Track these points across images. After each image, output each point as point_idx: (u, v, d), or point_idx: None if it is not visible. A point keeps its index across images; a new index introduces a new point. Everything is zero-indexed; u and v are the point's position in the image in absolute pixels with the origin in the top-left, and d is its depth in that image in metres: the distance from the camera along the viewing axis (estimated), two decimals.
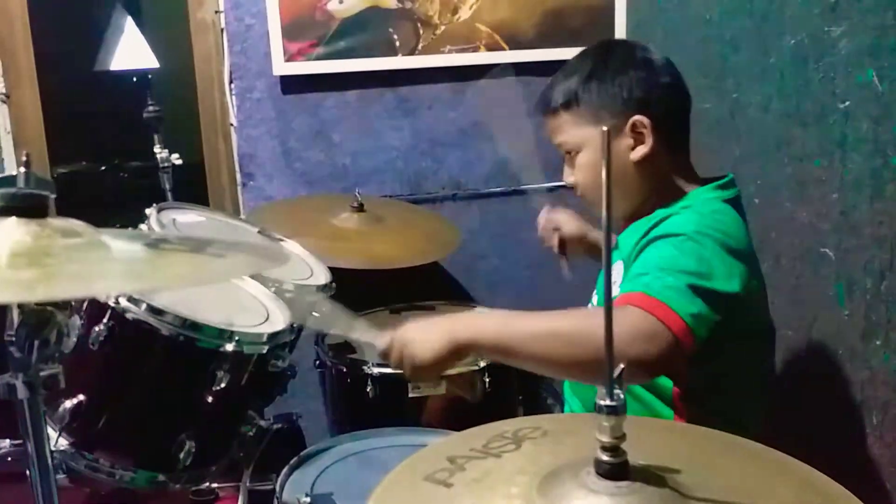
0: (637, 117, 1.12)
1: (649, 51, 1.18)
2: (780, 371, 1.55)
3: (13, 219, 0.68)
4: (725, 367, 1.08)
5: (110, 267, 0.68)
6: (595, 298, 1.32)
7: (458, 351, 1.01)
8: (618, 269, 1.12)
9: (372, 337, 1.12)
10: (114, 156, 2.61)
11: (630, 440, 0.63)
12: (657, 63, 1.16)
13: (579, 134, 1.16)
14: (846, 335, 1.37)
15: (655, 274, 0.99)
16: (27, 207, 0.69)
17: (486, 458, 0.72)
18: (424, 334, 1.03)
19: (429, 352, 1.01)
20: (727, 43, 1.67)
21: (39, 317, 0.68)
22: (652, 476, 0.64)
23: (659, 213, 1.13)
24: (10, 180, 0.69)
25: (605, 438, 0.63)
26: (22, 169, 0.69)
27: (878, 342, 1.30)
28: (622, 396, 0.64)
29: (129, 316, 1.05)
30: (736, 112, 1.66)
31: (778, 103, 1.52)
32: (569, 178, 1.21)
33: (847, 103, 1.33)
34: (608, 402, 0.63)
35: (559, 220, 1.52)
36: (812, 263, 1.45)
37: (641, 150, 1.13)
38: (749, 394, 1.15)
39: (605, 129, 0.61)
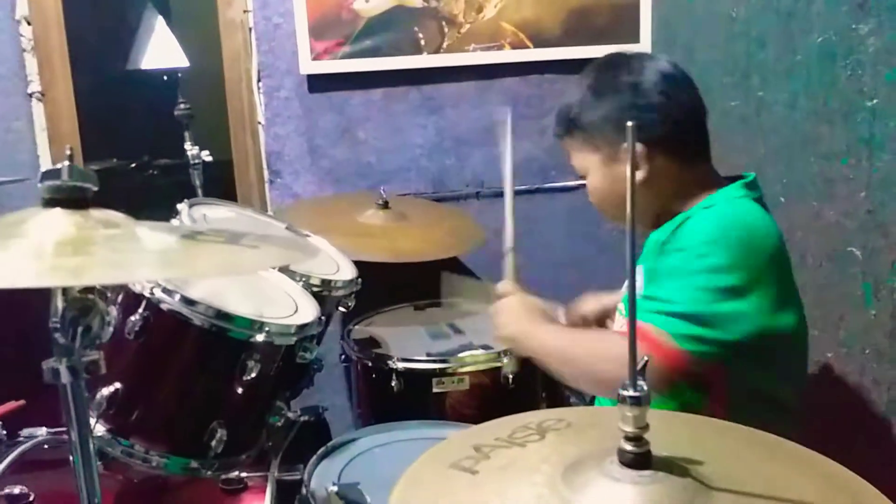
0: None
1: (640, 70, 1.15)
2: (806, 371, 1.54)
3: (58, 209, 0.72)
4: (761, 372, 1.09)
5: (149, 256, 0.71)
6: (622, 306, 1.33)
7: (517, 350, 1.29)
8: (639, 271, 1.13)
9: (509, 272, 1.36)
10: (144, 153, 2.66)
11: (653, 432, 0.64)
12: (647, 83, 1.13)
13: (581, 158, 1.19)
14: (873, 335, 1.37)
15: (663, 301, 1.04)
16: (71, 199, 0.72)
17: (510, 447, 0.73)
18: (508, 318, 1.26)
19: (503, 335, 1.27)
20: (753, 40, 1.67)
21: (82, 304, 0.71)
22: (674, 466, 0.65)
23: (679, 217, 1.13)
24: (55, 173, 0.72)
25: (629, 428, 0.65)
26: (66, 162, 0.72)
27: None
28: (645, 387, 0.65)
29: (163, 306, 1.08)
30: (762, 110, 1.65)
31: (805, 101, 1.51)
32: (589, 196, 1.24)
33: (875, 101, 1.32)
34: (631, 393, 0.64)
35: (581, 311, 1.51)
36: (839, 262, 1.44)
37: (639, 175, 1.12)
38: (787, 368, 1.16)
39: (630, 124, 0.62)
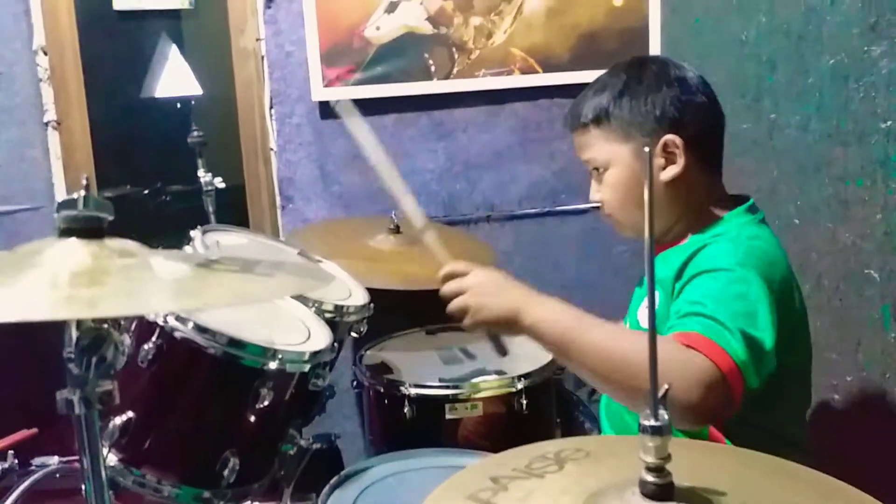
0: (669, 137, 1.10)
1: (683, 68, 1.17)
2: (825, 396, 1.52)
3: (73, 239, 0.72)
4: (762, 407, 1.06)
5: (164, 286, 0.71)
6: (629, 322, 1.31)
7: (518, 327, 1.04)
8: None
9: (440, 252, 1.15)
10: (157, 179, 2.68)
11: (674, 462, 0.63)
12: (691, 82, 1.14)
13: (609, 150, 1.14)
14: (892, 358, 1.35)
15: (709, 314, 0.97)
16: (87, 229, 0.72)
17: (529, 478, 0.72)
18: (499, 291, 1.05)
19: (493, 311, 1.04)
20: (764, 63, 1.67)
21: (97, 334, 0.71)
22: (697, 497, 0.63)
23: (694, 241, 1.12)
24: (72, 203, 0.72)
25: (650, 459, 0.63)
26: (82, 192, 0.72)
27: None
28: (666, 417, 0.64)
29: (177, 334, 1.07)
30: (774, 132, 1.65)
31: (817, 123, 1.50)
32: (595, 195, 1.19)
33: (889, 123, 1.31)
34: (653, 423, 0.63)
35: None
36: (856, 285, 1.43)
37: (672, 171, 1.11)
38: (790, 403, 1.13)
39: (647, 149, 0.62)
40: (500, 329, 1.10)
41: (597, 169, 1.17)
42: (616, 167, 1.14)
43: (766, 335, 0.98)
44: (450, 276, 1.11)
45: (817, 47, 1.49)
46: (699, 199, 1.15)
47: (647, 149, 0.61)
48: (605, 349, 0.98)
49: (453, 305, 1.09)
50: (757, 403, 1.04)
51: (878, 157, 1.34)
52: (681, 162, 1.11)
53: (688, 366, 0.91)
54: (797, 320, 1.11)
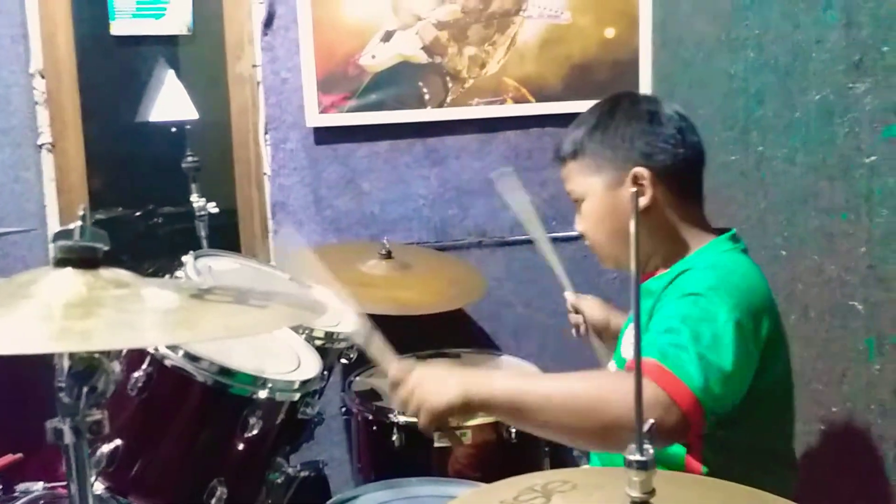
0: (637, 169, 1.12)
1: (658, 103, 1.20)
2: (810, 426, 1.53)
3: (69, 269, 0.72)
4: (748, 408, 1.07)
5: (158, 318, 0.71)
6: (615, 357, 1.31)
7: (469, 407, 1.03)
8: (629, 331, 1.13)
9: (386, 360, 1.14)
10: (149, 202, 2.69)
11: (659, 496, 0.64)
12: (663, 116, 1.17)
13: (584, 182, 1.18)
14: (877, 390, 1.36)
15: (670, 339, 0.99)
16: (82, 259, 0.72)
17: None
18: (439, 383, 1.04)
19: (441, 402, 1.02)
20: (752, 97, 1.70)
21: (89, 363, 0.71)
22: None
23: (675, 269, 1.13)
24: (68, 233, 0.73)
25: (635, 493, 0.64)
26: (79, 222, 0.73)
27: None
28: (651, 452, 0.65)
29: (167, 362, 1.08)
30: (762, 164, 1.67)
31: (804, 157, 1.53)
32: (578, 226, 1.23)
33: (873, 158, 1.34)
34: (638, 457, 0.64)
35: (583, 307, 1.50)
36: (841, 317, 1.44)
37: (641, 202, 1.12)
38: (774, 419, 1.14)
39: (633, 190, 0.63)
40: (456, 416, 1.10)
41: (577, 201, 1.21)
42: (590, 199, 1.18)
43: (728, 360, 0.98)
44: (395, 384, 1.09)
45: (804, 83, 1.52)
46: (675, 229, 1.16)
47: (633, 189, 0.63)
48: (558, 398, 0.98)
49: (406, 409, 1.08)
50: (738, 423, 1.04)
51: (862, 191, 1.37)
52: (649, 193, 1.13)
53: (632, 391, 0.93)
54: (780, 346, 1.12)
